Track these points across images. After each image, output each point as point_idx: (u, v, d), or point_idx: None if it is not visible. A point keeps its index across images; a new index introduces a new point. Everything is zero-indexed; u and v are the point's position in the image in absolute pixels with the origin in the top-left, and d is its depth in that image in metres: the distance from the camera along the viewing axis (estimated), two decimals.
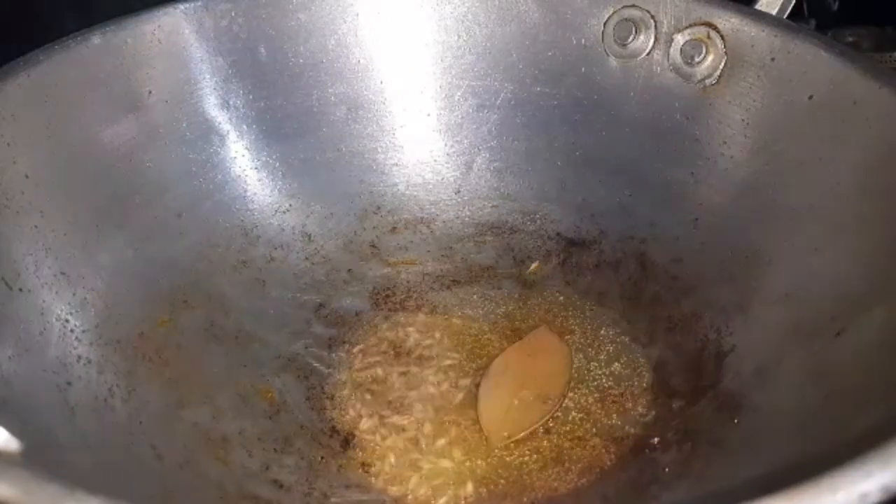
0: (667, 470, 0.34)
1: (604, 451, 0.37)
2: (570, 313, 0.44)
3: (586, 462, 0.36)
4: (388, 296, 0.46)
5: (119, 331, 0.37)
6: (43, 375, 0.32)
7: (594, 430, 0.37)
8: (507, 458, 0.36)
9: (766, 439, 0.30)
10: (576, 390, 0.39)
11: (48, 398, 0.31)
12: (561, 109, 0.48)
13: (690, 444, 0.35)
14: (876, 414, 0.24)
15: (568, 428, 0.38)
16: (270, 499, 0.34)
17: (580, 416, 0.38)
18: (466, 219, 0.49)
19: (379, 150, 0.50)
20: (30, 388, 0.30)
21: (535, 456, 0.37)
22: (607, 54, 0.46)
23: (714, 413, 0.35)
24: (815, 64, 0.38)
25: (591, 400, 0.39)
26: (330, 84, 0.48)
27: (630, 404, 0.39)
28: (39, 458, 0.24)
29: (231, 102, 0.45)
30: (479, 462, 0.36)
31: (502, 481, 0.36)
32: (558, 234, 0.48)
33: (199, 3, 0.44)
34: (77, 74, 0.39)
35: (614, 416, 0.38)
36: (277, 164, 0.47)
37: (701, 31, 0.43)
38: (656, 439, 0.36)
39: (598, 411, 0.38)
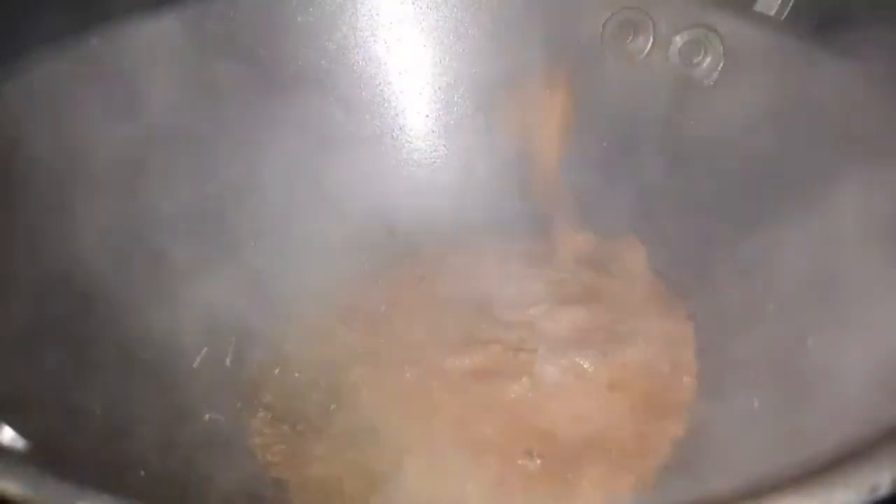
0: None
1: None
2: None
3: None
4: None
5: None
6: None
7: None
8: None
9: (775, 434, 0.30)
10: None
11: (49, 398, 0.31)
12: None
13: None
14: (888, 409, 0.24)
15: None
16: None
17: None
18: (466, 218, 0.49)
19: (378, 152, 0.50)
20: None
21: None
22: (606, 56, 0.46)
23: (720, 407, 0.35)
24: (814, 64, 0.39)
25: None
26: (329, 86, 0.48)
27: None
28: (43, 456, 0.24)
29: (230, 104, 0.45)
30: None
31: None
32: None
33: (199, 5, 0.44)
34: (77, 74, 0.39)
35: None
36: (277, 166, 0.47)
37: (699, 33, 0.43)
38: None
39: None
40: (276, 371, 0.41)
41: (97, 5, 0.41)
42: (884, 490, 0.19)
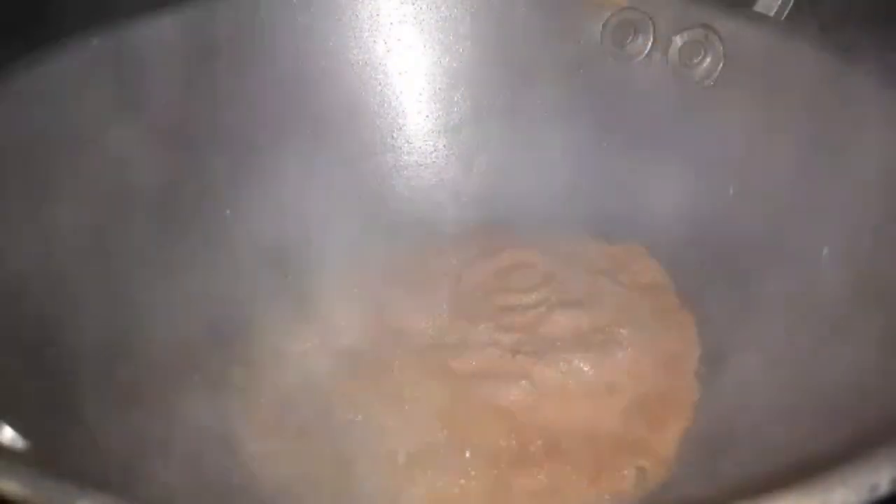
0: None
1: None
2: None
3: None
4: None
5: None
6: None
7: None
8: None
9: (774, 434, 0.30)
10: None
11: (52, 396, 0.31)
12: (559, 111, 0.48)
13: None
14: (887, 409, 0.24)
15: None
16: None
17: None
18: (466, 220, 0.49)
19: (378, 152, 0.50)
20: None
21: None
22: (606, 56, 0.46)
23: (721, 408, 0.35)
24: (814, 65, 0.39)
25: None
26: (329, 86, 0.48)
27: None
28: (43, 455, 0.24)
29: (230, 105, 0.45)
30: None
31: None
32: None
33: (199, 5, 0.44)
34: (77, 75, 0.39)
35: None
36: (277, 166, 0.47)
37: (699, 33, 0.43)
38: None
39: None
40: (274, 372, 0.40)
41: (97, 5, 0.41)
42: (883, 490, 0.19)
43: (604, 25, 0.46)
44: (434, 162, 0.50)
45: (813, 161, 0.38)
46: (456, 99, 0.49)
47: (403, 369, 0.40)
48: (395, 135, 0.50)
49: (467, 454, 0.36)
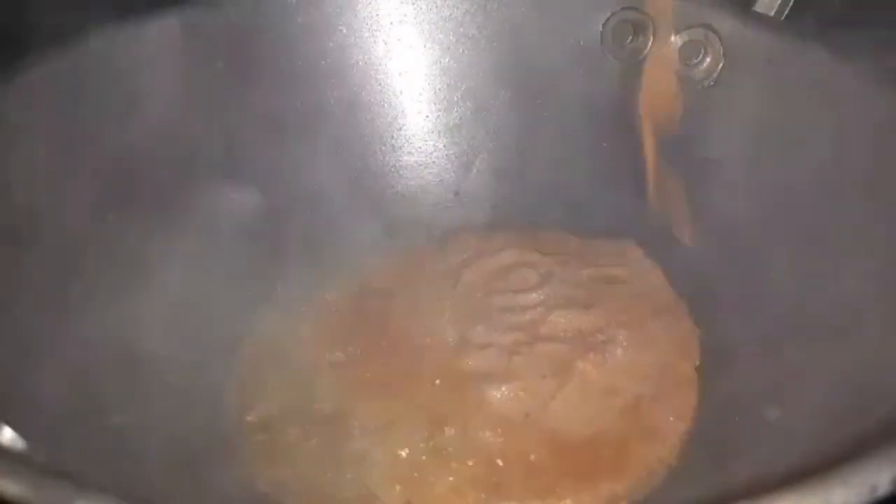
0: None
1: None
2: None
3: None
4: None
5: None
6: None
7: None
8: None
9: (774, 434, 0.30)
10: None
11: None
12: (559, 111, 0.48)
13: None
14: (887, 410, 0.24)
15: None
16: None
17: None
18: (466, 220, 0.49)
19: (377, 152, 0.50)
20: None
21: None
22: (606, 56, 0.46)
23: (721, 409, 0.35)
24: (814, 65, 0.39)
25: None
26: (329, 86, 0.48)
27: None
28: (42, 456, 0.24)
29: (230, 105, 0.45)
30: None
31: None
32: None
33: (199, 6, 0.44)
34: (77, 75, 0.39)
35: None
36: (276, 166, 0.47)
37: (699, 33, 0.43)
38: None
39: None
40: (274, 371, 0.40)
41: (97, 5, 0.41)
42: (883, 490, 0.19)
43: (604, 25, 0.46)
44: (434, 162, 0.50)
45: (812, 161, 0.38)
46: (456, 99, 0.49)
47: (402, 370, 0.40)
48: (395, 135, 0.50)
49: (466, 454, 0.36)
